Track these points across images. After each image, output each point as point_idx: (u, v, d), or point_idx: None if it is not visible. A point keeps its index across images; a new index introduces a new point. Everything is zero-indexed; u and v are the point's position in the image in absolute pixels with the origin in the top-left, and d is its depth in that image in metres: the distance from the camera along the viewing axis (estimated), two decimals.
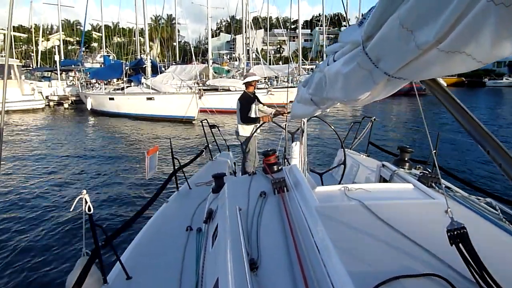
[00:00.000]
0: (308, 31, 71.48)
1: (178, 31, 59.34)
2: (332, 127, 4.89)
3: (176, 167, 4.78)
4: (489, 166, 10.55)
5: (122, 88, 23.54)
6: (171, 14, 55.53)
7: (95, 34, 66.36)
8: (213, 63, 34.62)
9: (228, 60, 48.78)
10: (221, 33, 74.80)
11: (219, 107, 24.01)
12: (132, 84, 23.84)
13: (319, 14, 59.36)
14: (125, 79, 23.47)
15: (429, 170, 3.75)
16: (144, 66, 23.61)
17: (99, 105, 25.02)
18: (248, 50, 34.45)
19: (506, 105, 31.83)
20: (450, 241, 1.41)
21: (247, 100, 6.66)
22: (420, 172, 3.63)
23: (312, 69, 41.33)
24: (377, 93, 1.53)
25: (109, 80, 26.52)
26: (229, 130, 14.99)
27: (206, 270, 2.38)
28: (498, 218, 2.32)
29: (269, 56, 47.77)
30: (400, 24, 1.09)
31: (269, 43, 62.09)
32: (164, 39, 66.56)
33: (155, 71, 23.97)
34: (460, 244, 1.40)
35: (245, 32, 31.12)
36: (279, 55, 69.08)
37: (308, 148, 4.59)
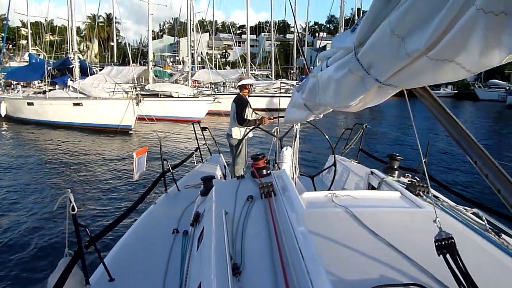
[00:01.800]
0: (254, 36, 69.80)
1: (118, 30, 55.42)
2: (324, 133, 4.81)
3: (165, 169, 4.72)
4: (477, 176, 9.83)
5: (44, 92, 19.77)
6: (111, 13, 51.31)
7: (23, 31, 59.86)
8: (154, 65, 31.47)
9: (171, 63, 45.46)
10: (164, 36, 70.91)
11: (160, 115, 21.09)
12: (57, 87, 20.15)
13: (266, 21, 58.40)
14: (47, 81, 19.72)
15: (418, 179, 3.72)
16: (71, 66, 20.04)
17: (16, 111, 20.93)
18: (192, 53, 31.75)
19: (423, 111, 32.18)
20: (437, 251, 1.39)
21: (243, 102, 6.53)
22: (409, 181, 3.61)
23: (259, 75, 39.62)
24: (369, 100, 1.54)
25: (30, 82, 22.43)
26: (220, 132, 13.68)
27: (190, 273, 2.43)
28: (484, 229, 2.29)
29: (215, 61, 45.39)
30: (391, 30, 1.09)
31: (215, 47, 60.14)
32: (103, 39, 62.25)
33: (85, 72, 20.47)
34: (448, 255, 1.38)
35: (190, 34, 28.34)
36: (224, 59, 66.88)
37: (299, 153, 4.52)
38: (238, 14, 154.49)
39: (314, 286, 1.44)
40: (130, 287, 2.67)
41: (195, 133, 6.43)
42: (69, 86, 19.25)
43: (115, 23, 49.31)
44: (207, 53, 58.28)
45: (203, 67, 30.90)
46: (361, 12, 43.67)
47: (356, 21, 1.49)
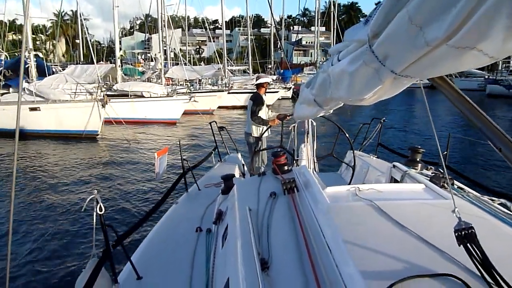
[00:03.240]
0: (228, 31, 67.57)
1: (86, 28, 52.24)
2: (342, 128, 4.73)
3: (185, 169, 4.71)
4: (503, 167, 10.34)
5: None
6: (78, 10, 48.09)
7: None
8: (125, 63, 29.07)
9: (142, 61, 42.84)
10: (135, 32, 67.71)
11: (130, 117, 18.90)
12: (11, 90, 17.68)
13: (240, 15, 56.34)
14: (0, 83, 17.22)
15: (441, 171, 3.45)
16: (26, 66, 17.55)
17: None
18: (165, 50, 29.48)
19: (419, 103, 33.65)
20: (457, 242, 1.39)
21: (260, 99, 6.59)
22: (432, 173, 3.52)
23: (237, 70, 37.69)
24: (383, 92, 1.52)
25: None
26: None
27: (217, 270, 2.45)
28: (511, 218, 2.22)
29: (188, 57, 43.17)
30: (409, 20, 1.09)
31: (188, 43, 57.80)
32: (70, 37, 58.79)
33: (43, 73, 18.04)
34: (468, 244, 1.36)
35: (161, 29, 26.02)
36: (199, 55, 64.50)
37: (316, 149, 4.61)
38: (211, 10, 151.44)
39: (343, 278, 1.46)
40: (157, 285, 2.67)
41: (213, 133, 6.32)
42: (24, 88, 16.79)
43: (83, 19, 46.19)
44: (180, 49, 56.01)
45: (177, 64, 28.65)
46: (335, 4, 42.74)
47: (368, 14, 1.48)
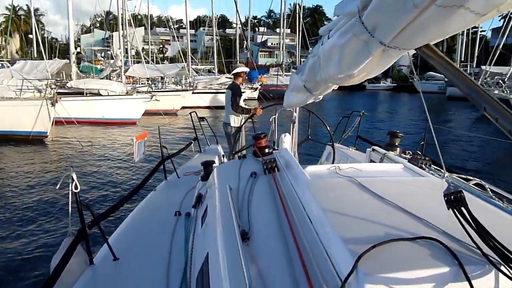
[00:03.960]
0: (193, 31, 65.95)
1: (42, 24, 49.36)
2: (323, 121, 4.88)
3: (164, 156, 4.73)
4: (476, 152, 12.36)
5: None
6: (34, 5, 45.19)
7: None
8: (82, 60, 27.13)
9: (102, 58, 40.60)
10: (95, 30, 64.60)
11: (86, 117, 17.39)
12: None
13: (204, 15, 55.03)
14: None
15: (419, 153, 3.73)
16: None
17: None
18: (127, 48, 27.81)
19: (380, 104, 34.98)
20: (447, 205, 1.37)
21: (238, 89, 6.52)
22: (410, 156, 3.61)
23: (202, 69, 36.42)
24: (372, 68, 1.54)
25: None
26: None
27: (195, 251, 2.42)
28: (489, 196, 2.39)
29: (151, 56, 41.46)
30: None
31: (152, 41, 55.78)
32: (25, 33, 55.31)
33: None
34: (458, 207, 1.35)
35: (122, 24, 24.42)
36: (162, 55, 62.49)
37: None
38: (175, 9, 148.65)
39: (324, 244, 1.46)
40: (135, 266, 2.61)
41: (193, 123, 6.27)
42: None
43: (38, 15, 43.36)
44: (143, 48, 53.96)
45: (139, 62, 27.03)
46: (300, 6, 42.51)
47: None
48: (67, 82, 19.46)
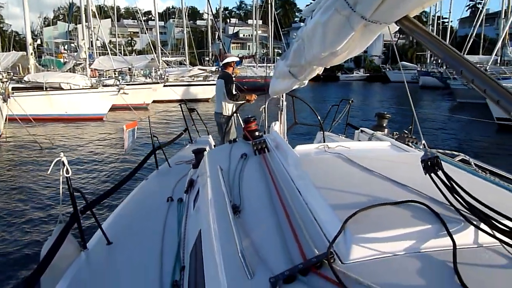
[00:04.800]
0: (162, 23, 63.69)
1: (1, 16, 46.14)
2: (313, 109, 4.99)
3: (155, 146, 4.73)
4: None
5: None
6: None
7: None
8: (43, 54, 25.10)
9: (65, 51, 38.15)
10: (58, 22, 61.19)
11: (47, 113, 15.82)
12: None
13: (173, 7, 53.07)
14: None
15: (406, 132, 3.89)
16: None
17: None
18: (92, 41, 25.97)
19: (353, 94, 35.23)
20: (424, 170, 1.42)
21: (230, 77, 6.45)
22: (397, 135, 3.78)
23: (173, 61, 34.85)
24: (354, 45, 1.55)
25: None
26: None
27: (188, 230, 2.45)
28: (473, 169, 2.43)
29: (119, 48, 39.44)
30: None
31: (119, 34, 53.37)
32: None
33: None
34: (434, 173, 1.40)
35: (84, 17, 22.62)
36: (131, 47, 60.01)
37: (286, 132, 4.54)
38: (143, 1, 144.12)
39: (313, 212, 1.52)
40: (129, 249, 2.63)
41: (183, 114, 6.28)
42: None
43: None
44: (110, 41, 51.53)
45: (104, 54, 25.24)
46: None
47: None
48: (24, 76, 17.65)
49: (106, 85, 18.42)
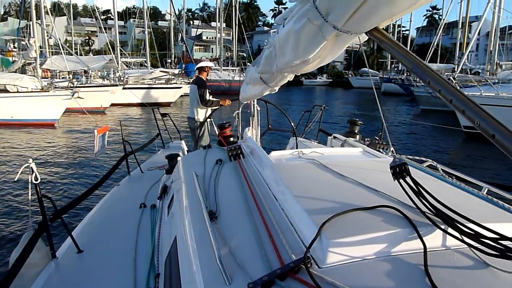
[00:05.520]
0: (122, 22, 61.26)
1: None
2: (286, 115, 5.05)
3: (127, 152, 4.62)
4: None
5: None
6: None
7: None
8: None
9: (15, 49, 35.42)
10: (9, 18, 57.38)
11: None
12: None
13: (134, 6, 51.08)
14: None
15: (377, 138, 4.01)
16: None
17: None
18: (45, 39, 24.01)
19: (317, 99, 36.22)
20: (393, 177, 1.46)
21: (203, 83, 6.48)
22: (369, 142, 3.87)
23: (133, 62, 33.32)
24: (326, 53, 1.57)
25: None
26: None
27: (162, 237, 2.41)
28: (440, 174, 2.51)
29: (75, 48, 37.28)
30: None
31: (76, 33, 50.64)
32: None
33: None
34: (402, 178, 1.44)
35: (36, 15, 20.75)
36: (88, 47, 57.24)
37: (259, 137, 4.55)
38: (102, 0, 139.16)
39: (289, 218, 1.55)
40: (100, 258, 2.56)
41: (156, 119, 6.06)
42: None
43: None
44: (66, 39, 48.72)
45: (58, 53, 23.34)
46: (236, 1, 40.93)
47: None
48: None
49: (58, 88, 16.85)
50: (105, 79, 23.16)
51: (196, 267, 1.46)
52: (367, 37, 1.47)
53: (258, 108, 4.27)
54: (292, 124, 4.95)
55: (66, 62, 19.81)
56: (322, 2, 1.32)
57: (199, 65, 6.81)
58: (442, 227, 1.36)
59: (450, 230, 1.35)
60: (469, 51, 29.58)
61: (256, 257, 1.37)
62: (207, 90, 6.43)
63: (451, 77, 16.51)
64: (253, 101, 4.09)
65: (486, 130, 1.07)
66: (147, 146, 5.74)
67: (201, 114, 6.45)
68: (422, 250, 1.28)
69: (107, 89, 20.78)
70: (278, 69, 1.99)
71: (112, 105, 21.47)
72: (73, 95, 15.99)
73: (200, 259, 1.47)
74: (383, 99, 34.92)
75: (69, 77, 19.16)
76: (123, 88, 21.71)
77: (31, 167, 2.22)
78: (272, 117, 5.30)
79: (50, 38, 23.45)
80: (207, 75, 6.88)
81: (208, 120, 6.11)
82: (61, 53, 21.45)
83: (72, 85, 17.27)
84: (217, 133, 3.04)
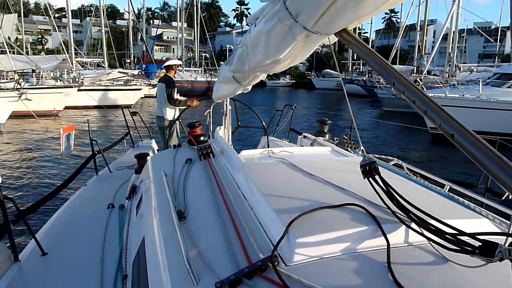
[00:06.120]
0: (78, 21, 58.44)
1: None
2: (258, 114, 5.02)
3: (94, 151, 4.56)
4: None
5: None
6: None
7: None
8: None
9: None
10: None
11: None
12: None
13: (90, 4, 48.71)
14: None
15: (345, 137, 4.05)
16: None
17: None
18: None
19: (280, 100, 36.15)
20: (363, 175, 1.47)
21: (171, 81, 6.38)
22: (338, 141, 3.94)
23: (89, 63, 31.64)
24: (296, 53, 1.60)
25: None
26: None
27: (131, 238, 2.39)
28: (405, 173, 2.59)
29: (26, 48, 34.98)
30: None
31: (27, 31, 47.69)
32: None
33: None
34: (371, 177, 1.45)
35: None
36: (41, 46, 54.12)
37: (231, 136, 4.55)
38: None
39: (258, 217, 1.55)
40: (66, 260, 2.50)
41: (125, 118, 6.01)
42: None
43: None
44: (17, 38, 45.70)
45: (2, 53, 21.45)
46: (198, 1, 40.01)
47: None
48: None
49: (3, 89, 15.34)
50: (58, 80, 21.54)
51: (164, 267, 1.47)
52: (336, 38, 1.47)
53: (230, 107, 4.22)
54: (264, 123, 4.93)
55: (11, 61, 18.13)
56: (292, 3, 1.35)
57: (167, 63, 6.62)
58: (406, 223, 1.41)
59: (414, 226, 1.39)
60: (425, 53, 30.42)
61: (224, 257, 1.38)
62: (175, 89, 6.31)
63: (417, 79, 16.57)
64: (225, 100, 4.01)
65: (446, 130, 1.10)
66: (116, 145, 5.64)
67: (170, 112, 6.31)
68: (386, 247, 1.31)
69: (60, 90, 19.28)
70: (250, 69, 2.00)
71: (67, 108, 19.99)
72: (20, 96, 14.60)
73: (168, 260, 1.48)
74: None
75: (16, 78, 17.53)
76: (78, 90, 20.27)
77: None
78: (242, 117, 5.15)
79: None
80: (175, 73, 6.75)
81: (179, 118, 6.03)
82: (7, 52, 19.69)
83: (19, 87, 15.76)
84: (186, 132, 3.04)
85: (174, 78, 6.65)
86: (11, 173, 9.11)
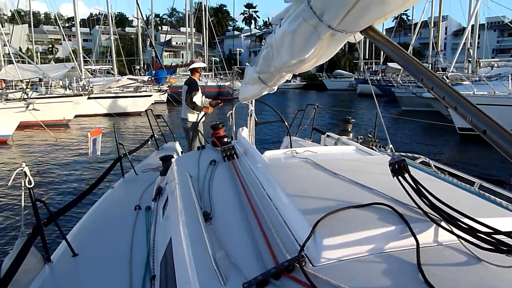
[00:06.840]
0: (87, 29, 58.55)
1: None
2: (280, 114, 5.05)
3: (121, 154, 4.63)
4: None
5: None
6: None
7: None
8: None
9: None
10: None
11: None
12: None
13: (99, 13, 48.69)
14: None
15: (370, 136, 3.97)
16: None
17: None
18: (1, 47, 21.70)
19: (291, 102, 35.21)
20: (392, 174, 1.44)
21: (195, 84, 6.50)
22: (362, 139, 3.88)
23: (98, 70, 31.28)
24: (322, 53, 1.58)
25: None
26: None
27: (158, 238, 2.41)
28: (433, 170, 2.53)
29: (37, 56, 34.86)
30: None
31: (38, 41, 47.87)
32: None
33: None
34: (401, 175, 1.42)
35: None
36: (52, 55, 54.24)
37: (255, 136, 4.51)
38: (66, 7, 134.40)
39: (283, 217, 1.54)
40: (95, 261, 2.56)
41: (149, 120, 6.13)
42: None
43: None
44: (28, 48, 45.81)
45: (11, 62, 21.07)
46: (206, 6, 39.63)
47: None
48: None
49: (10, 100, 14.85)
50: (67, 89, 21.08)
51: (191, 268, 1.45)
52: (362, 36, 1.44)
53: (252, 108, 4.20)
54: (286, 123, 4.94)
55: (18, 71, 17.66)
56: (316, 2, 1.34)
57: (192, 66, 6.79)
58: (438, 222, 1.36)
59: (444, 225, 1.34)
60: (440, 50, 29.35)
61: (250, 257, 1.37)
62: (197, 92, 6.36)
63: (444, 76, 15.69)
64: (251, 102, 3.98)
65: (477, 126, 1.07)
66: (141, 148, 5.71)
67: (192, 115, 6.40)
68: (415, 247, 1.28)
69: (70, 99, 18.79)
70: (275, 69, 2.00)
71: (77, 116, 19.51)
72: (27, 107, 14.08)
73: (195, 260, 1.46)
74: (359, 100, 34.30)
75: (23, 88, 17.04)
76: (88, 98, 19.76)
77: (25, 171, 2.19)
78: (258, 117, 5.12)
79: (5, 46, 21.12)
80: (200, 76, 6.82)
81: (201, 120, 6.11)
82: (13, 62, 19.24)
83: (26, 97, 15.26)
84: (210, 133, 3.10)
85: (199, 80, 6.63)
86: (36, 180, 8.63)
